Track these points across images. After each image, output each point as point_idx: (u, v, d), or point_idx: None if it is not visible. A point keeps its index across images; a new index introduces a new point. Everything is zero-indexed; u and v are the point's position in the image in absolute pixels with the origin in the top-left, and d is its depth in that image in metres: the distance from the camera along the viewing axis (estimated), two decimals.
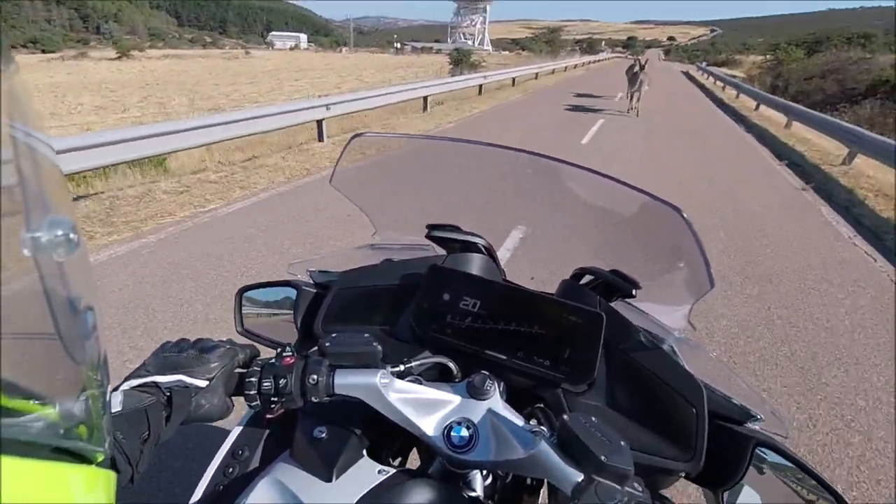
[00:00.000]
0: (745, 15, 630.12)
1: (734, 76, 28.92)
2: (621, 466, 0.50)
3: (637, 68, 12.31)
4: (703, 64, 34.02)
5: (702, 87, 23.74)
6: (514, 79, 19.76)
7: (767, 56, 34.77)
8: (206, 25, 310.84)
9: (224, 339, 0.67)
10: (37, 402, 0.30)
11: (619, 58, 70.36)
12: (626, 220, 0.96)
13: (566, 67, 31.17)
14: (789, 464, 0.65)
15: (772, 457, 0.66)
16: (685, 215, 0.72)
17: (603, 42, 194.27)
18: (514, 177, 1.04)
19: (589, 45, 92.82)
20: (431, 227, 0.91)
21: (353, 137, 0.95)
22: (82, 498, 0.32)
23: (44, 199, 0.32)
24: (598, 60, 51.48)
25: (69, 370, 0.33)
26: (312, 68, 38.09)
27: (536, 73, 22.45)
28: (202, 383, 0.60)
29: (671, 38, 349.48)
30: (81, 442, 0.33)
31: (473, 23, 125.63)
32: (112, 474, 0.37)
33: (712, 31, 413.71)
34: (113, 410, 0.50)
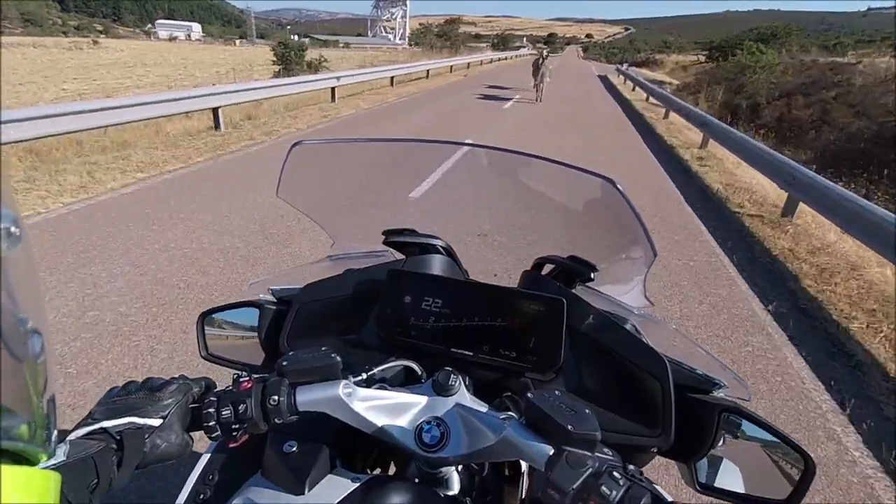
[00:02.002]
0: (656, 15, 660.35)
1: (662, 83, 23.76)
2: (588, 433, 0.51)
3: (540, 61, 13.81)
4: (625, 66, 26.62)
5: (625, 105, 15.25)
6: (391, 79, 14.21)
7: (701, 58, 29.74)
8: (98, 12, 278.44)
9: (176, 375, 0.65)
10: None
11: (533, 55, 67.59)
12: (572, 201, 0.98)
13: (465, 65, 26.38)
14: (757, 429, 0.66)
15: (744, 424, 0.67)
16: (619, 187, 0.72)
17: (525, 38, 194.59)
18: (462, 172, 1.07)
19: (502, 41, 79.61)
20: (388, 233, 0.92)
21: (292, 147, 0.92)
22: (22, 499, 0.31)
23: None
24: (514, 57, 47.24)
25: (9, 368, 0.32)
26: (156, 63, 30.39)
27: (392, 78, 16.11)
28: (156, 422, 0.58)
29: (589, 36, 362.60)
30: (23, 443, 0.32)
31: (393, 16, 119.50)
32: (56, 475, 0.35)
33: (626, 29, 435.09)
34: (56, 461, 0.48)
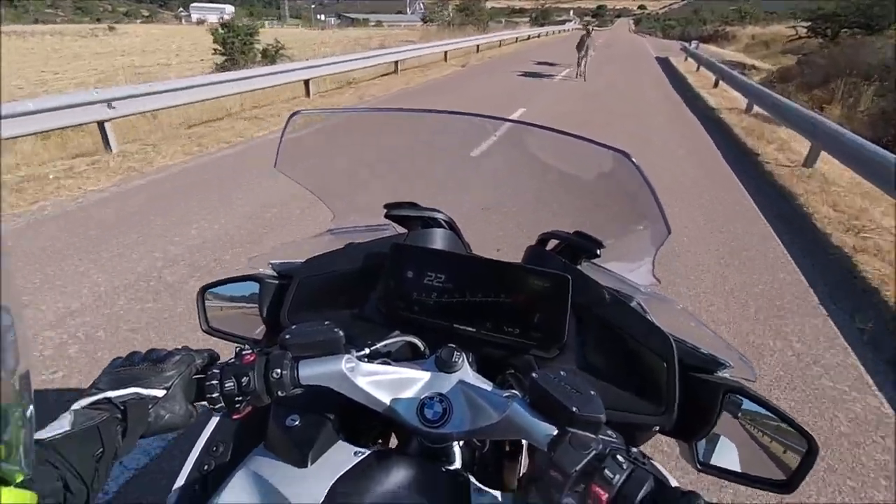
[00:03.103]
0: None
1: (744, 67, 17.62)
2: (593, 415, 0.51)
3: (585, 36, 13.19)
4: (693, 45, 19.46)
5: (716, 128, 8.30)
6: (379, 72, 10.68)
7: (799, 31, 20.30)
8: None
9: (179, 346, 0.65)
10: None
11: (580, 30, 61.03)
12: (582, 175, 0.95)
13: (497, 42, 22.20)
14: (762, 409, 0.65)
15: (746, 404, 0.66)
16: (634, 160, 0.70)
17: (571, 11, 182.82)
18: (464, 142, 1.04)
19: (542, 14, 71.24)
20: (389, 207, 0.91)
21: (291, 115, 0.91)
22: None
23: None
24: (556, 32, 41.81)
25: None
26: (152, 50, 27.79)
27: (396, 63, 12.82)
28: (159, 393, 0.58)
29: (642, 7, 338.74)
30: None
31: None
32: (32, 495, 0.35)
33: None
34: (61, 431, 0.50)
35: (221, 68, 11.30)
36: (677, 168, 5.83)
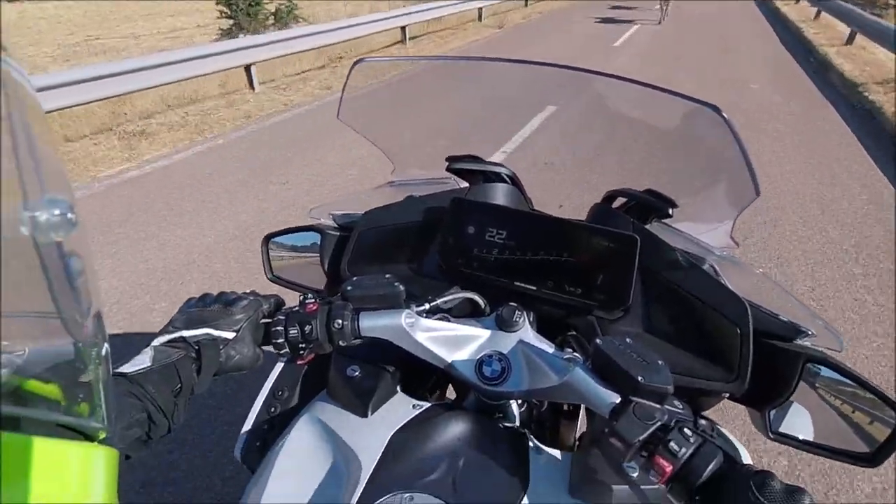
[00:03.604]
0: None
1: None
2: (659, 385, 0.49)
3: None
4: None
5: None
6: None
7: None
8: None
9: (248, 291, 0.67)
10: (38, 380, 0.30)
11: None
12: (662, 130, 0.93)
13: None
14: (846, 380, 0.63)
15: (826, 373, 0.64)
16: (725, 115, 0.67)
17: None
18: (535, 93, 1.06)
19: None
20: (451, 160, 0.90)
21: (355, 63, 0.90)
22: (84, 475, 0.31)
23: (41, 178, 0.32)
24: None
25: (69, 348, 0.33)
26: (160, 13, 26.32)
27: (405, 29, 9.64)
28: (229, 335, 0.61)
29: None
30: (83, 420, 0.33)
31: None
32: (114, 452, 0.36)
33: None
34: (143, 366, 0.54)
35: (228, 34, 9.54)
36: None
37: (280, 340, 0.61)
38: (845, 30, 9.64)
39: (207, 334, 0.60)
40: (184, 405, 0.56)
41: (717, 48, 9.20)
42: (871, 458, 0.60)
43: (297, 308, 0.62)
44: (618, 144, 1.02)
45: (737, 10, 14.25)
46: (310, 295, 0.63)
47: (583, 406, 0.75)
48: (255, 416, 0.71)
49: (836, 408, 0.64)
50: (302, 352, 0.62)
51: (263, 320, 0.65)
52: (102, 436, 0.35)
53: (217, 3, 9.98)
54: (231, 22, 9.94)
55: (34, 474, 0.26)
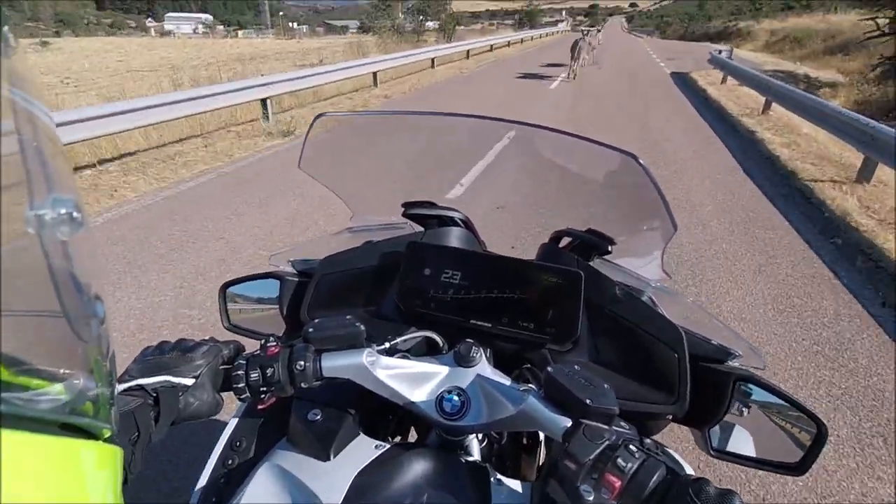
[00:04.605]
0: None
1: (809, 82, 12.71)
2: (606, 407, 0.52)
3: (579, 41, 13.27)
4: (725, 52, 13.89)
5: None
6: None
7: (881, 21, 13.30)
8: (133, 8, 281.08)
9: (206, 337, 0.67)
10: (43, 378, 0.30)
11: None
12: (593, 176, 0.98)
13: (464, 53, 17.02)
14: (773, 397, 0.67)
15: (754, 390, 0.68)
16: (641, 161, 0.73)
17: (564, 11, 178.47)
18: (480, 144, 1.12)
19: (527, 16, 58.21)
20: (407, 206, 0.93)
21: (316, 118, 0.93)
22: (89, 473, 0.32)
23: (47, 177, 0.32)
24: (540, 36, 37.12)
25: (75, 347, 0.33)
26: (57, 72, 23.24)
27: None
28: (189, 381, 0.60)
29: (633, 5, 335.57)
30: (88, 418, 0.33)
31: None
32: (119, 450, 0.37)
33: None
34: None
35: None
36: None
37: (241, 385, 0.59)
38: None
39: (166, 381, 0.58)
40: (141, 454, 0.53)
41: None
42: (798, 467, 0.65)
43: (258, 352, 0.61)
44: (555, 188, 1.10)
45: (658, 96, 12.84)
46: (271, 338, 0.62)
47: (542, 438, 0.80)
48: (210, 470, 0.69)
49: (765, 423, 0.68)
50: (263, 395, 0.60)
51: (223, 366, 0.64)
52: (107, 434, 0.35)
53: None
54: None
55: (39, 473, 0.27)
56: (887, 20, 13.65)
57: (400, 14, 24.78)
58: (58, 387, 0.30)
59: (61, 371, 0.31)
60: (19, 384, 0.28)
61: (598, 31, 24.35)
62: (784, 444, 0.66)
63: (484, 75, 13.89)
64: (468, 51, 17.56)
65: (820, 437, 0.63)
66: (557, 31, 51.13)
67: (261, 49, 30.59)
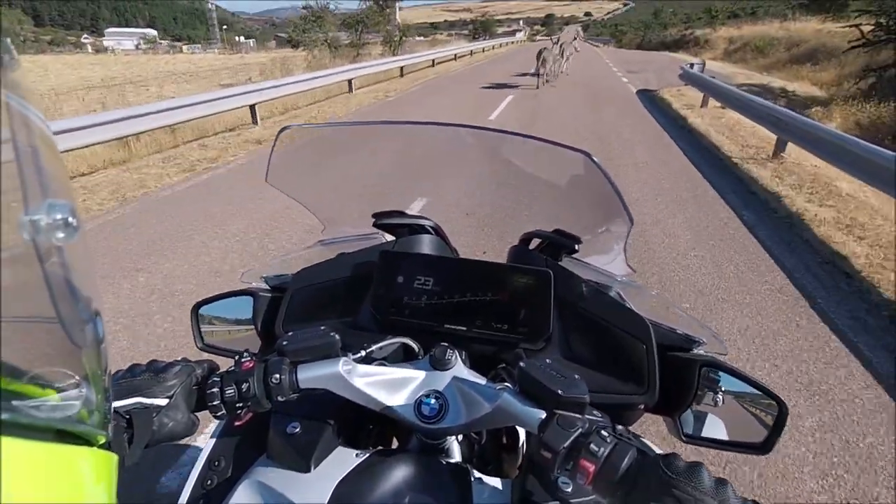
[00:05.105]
0: None
1: (790, 98, 11.03)
2: (577, 396, 0.53)
3: (544, 52, 12.83)
4: (697, 66, 11.67)
5: None
6: None
7: (865, 28, 11.51)
8: (75, 24, 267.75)
9: (179, 358, 0.65)
10: (38, 385, 0.30)
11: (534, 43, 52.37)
12: (554, 176, 0.99)
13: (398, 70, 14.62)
14: (735, 379, 0.69)
15: (722, 377, 0.70)
16: (595, 159, 0.73)
17: (521, 21, 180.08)
18: (447, 152, 1.12)
19: (482, 26, 51.47)
20: (377, 216, 0.94)
21: (281, 131, 0.92)
22: (84, 480, 0.32)
23: (43, 182, 0.32)
24: (495, 47, 35.11)
25: (69, 354, 0.33)
26: None
27: None
28: (162, 402, 0.59)
29: (588, 14, 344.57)
30: (82, 425, 0.33)
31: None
32: (114, 457, 0.37)
33: (625, 4, 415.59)
34: None
35: None
36: None
37: (216, 402, 0.58)
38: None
39: (138, 403, 0.57)
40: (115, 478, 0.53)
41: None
42: (763, 446, 0.66)
43: (232, 368, 0.60)
44: (521, 191, 1.10)
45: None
46: (245, 353, 0.61)
47: (522, 435, 0.79)
48: (189, 491, 0.68)
49: (731, 406, 0.70)
50: (240, 411, 0.59)
51: (197, 385, 0.62)
52: (102, 440, 0.35)
53: None
54: None
55: (35, 479, 0.27)
56: (872, 27, 11.89)
57: (333, 26, 21.49)
58: (52, 393, 0.30)
59: (57, 378, 0.31)
60: (14, 391, 0.28)
61: (575, 38, 22.94)
62: (750, 425, 0.68)
63: (414, 99, 11.38)
64: (402, 68, 15.04)
65: (781, 416, 0.65)
66: (514, 41, 49.44)
67: (194, 65, 27.40)
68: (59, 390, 0.31)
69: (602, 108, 9.87)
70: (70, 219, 0.31)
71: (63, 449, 0.30)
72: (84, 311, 0.35)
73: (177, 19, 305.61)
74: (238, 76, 16.21)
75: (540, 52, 12.80)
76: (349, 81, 11.68)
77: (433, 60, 18.55)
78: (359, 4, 23.38)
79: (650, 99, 11.33)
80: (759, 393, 0.67)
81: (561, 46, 14.36)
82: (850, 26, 12.31)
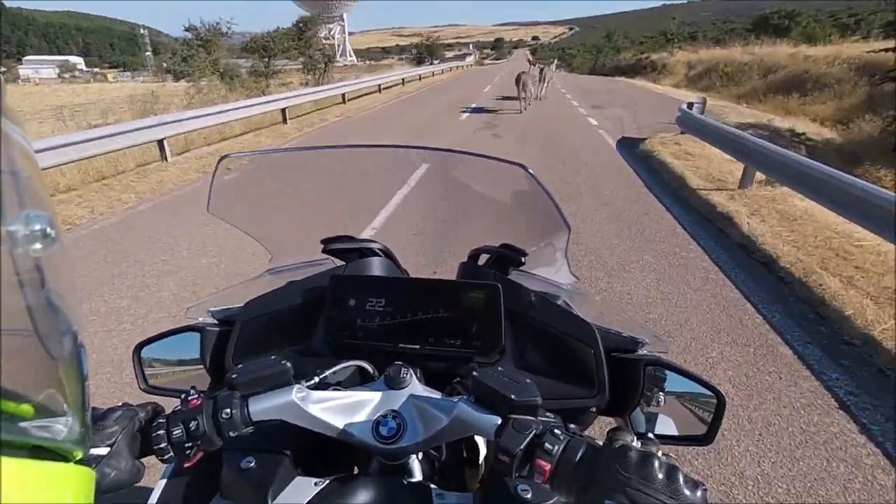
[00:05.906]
0: (595, 13, 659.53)
1: (799, 140, 7.99)
2: (530, 399, 0.55)
3: (524, 76, 13.11)
4: (696, 105, 8.04)
5: None
6: None
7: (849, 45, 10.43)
8: (1, 52, 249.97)
9: (119, 403, 0.63)
10: (13, 400, 0.29)
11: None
12: (495, 191, 1.01)
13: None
14: (678, 376, 0.72)
15: (666, 375, 0.72)
16: (530, 170, 0.77)
17: (471, 45, 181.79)
18: (393, 173, 1.14)
19: (427, 50, 46.68)
20: (326, 242, 0.93)
21: (220, 160, 0.91)
22: (61, 496, 0.31)
23: (20, 193, 0.31)
24: (443, 72, 32.08)
25: (46, 367, 0.32)
26: None
27: None
28: (103, 451, 0.57)
29: (535, 38, 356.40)
30: (58, 440, 0.32)
31: (332, 32, 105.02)
32: (91, 472, 0.36)
33: (571, 28, 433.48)
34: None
35: None
36: None
37: (163, 445, 0.55)
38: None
39: None
40: None
41: None
42: (706, 437, 0.69)
43: (178, 407, 0.58)
44: (466, 207, 1.10)
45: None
46: (192, 391, 0.59)
47: (482, 447, 0.79)
48: None
49: (677, 404, 0.72)
50: (189, 452, 0.56)
51: (141, 429, 0.59)
52: (79, 456, 0.34)
53: None
54: None
55: (10, 495, 0.26)
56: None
57: (225, 52, 17.07)
58: (27, 408, 0.29)
59: (33, 392, 0.30)
60: None
61: (553, 61, 22.94)
62: (695, 419, 0.71)
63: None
64: (284, 110, 10.79)
65: (720, 406, 0.67)
66: (462, 66, 46.65)
67: (98, 96, 22.31)
68: (36, 405, 0.30)
69: (576, 200, 5.48)
70: (48, 229, 0.30)
71: (40, 465, 0.29)
72: (62, 325, 0.34)
73: (114, 45, 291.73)
74: (135, 106, 11.99)
75: (519, 77, 13.04)
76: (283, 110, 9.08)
77: (343, 96, 14.56)
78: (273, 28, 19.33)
79: (641, 161, 7.33)
80: (700, 387, 0.70)
81: (542, 71, 15.07)
82: (889, 50, 9.32)
